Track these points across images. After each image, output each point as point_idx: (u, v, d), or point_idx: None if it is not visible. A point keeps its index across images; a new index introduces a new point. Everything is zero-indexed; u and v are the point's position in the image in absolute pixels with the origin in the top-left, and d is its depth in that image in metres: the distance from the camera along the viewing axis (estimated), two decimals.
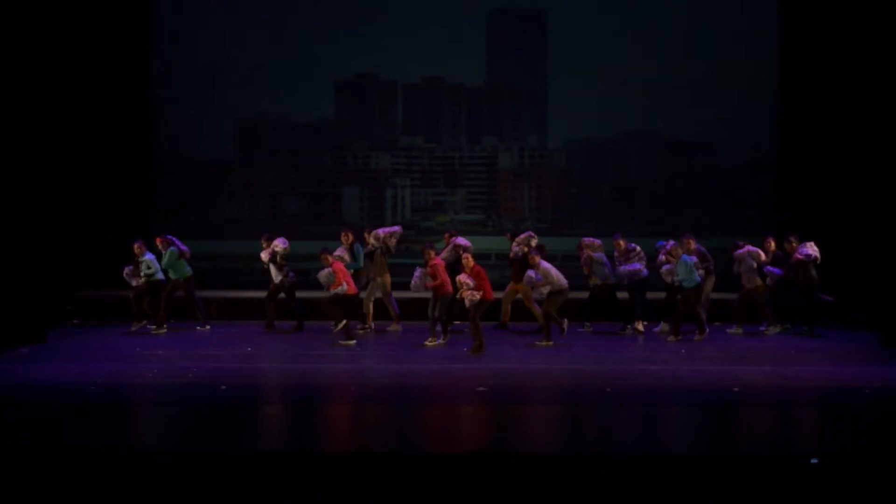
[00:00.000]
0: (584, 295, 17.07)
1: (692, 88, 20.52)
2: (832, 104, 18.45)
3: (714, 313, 17.24)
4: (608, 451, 9.97)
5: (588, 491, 9.11)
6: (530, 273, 15.55)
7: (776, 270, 16.56)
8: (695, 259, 16.40)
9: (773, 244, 16.86)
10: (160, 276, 16.73)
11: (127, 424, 11.18)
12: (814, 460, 9.34)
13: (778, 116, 19.82)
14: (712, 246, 17.56)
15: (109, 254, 18.59)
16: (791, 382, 13.37)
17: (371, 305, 17.02)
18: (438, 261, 15.60)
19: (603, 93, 20.84)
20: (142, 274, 16.60)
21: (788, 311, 16.91)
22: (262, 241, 17.08)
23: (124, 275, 16.79)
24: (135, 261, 16.71)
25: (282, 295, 17.13)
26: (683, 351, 15.39)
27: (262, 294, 17.42)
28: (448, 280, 15.41)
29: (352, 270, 16.33)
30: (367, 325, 16.98)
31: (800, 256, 16.46)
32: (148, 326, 16.74)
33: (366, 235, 16.98)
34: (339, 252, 16.35)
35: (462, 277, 15.10)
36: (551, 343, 15.51)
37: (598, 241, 16.92)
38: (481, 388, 12.58)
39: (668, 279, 16.11)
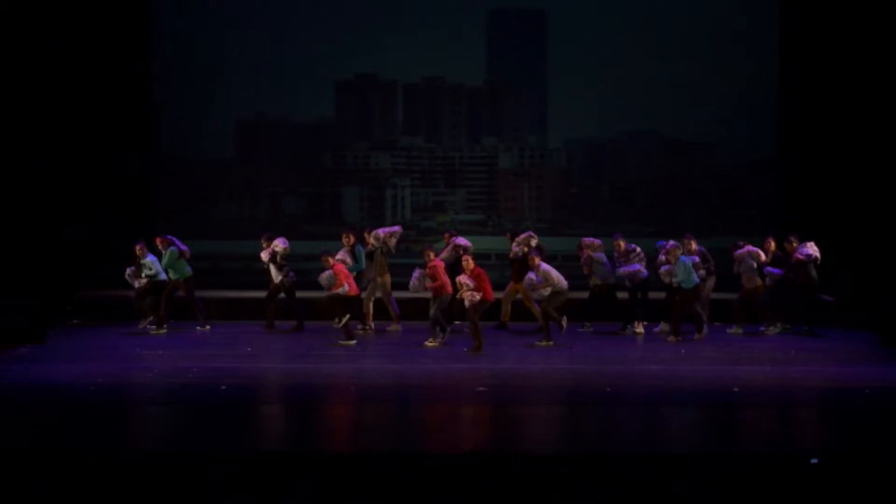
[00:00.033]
0: (584, 295, 17.07)
1: (692, 88, 20.52)
2: (832, 104, 18.44)
3: (714, 313, 17.24)
4: (608, 451, 9.97)
5: (588, 491, 9.11)
6: (531, 275, 15.54)
7: (776, 271, 16.56)
8: (696, 259, 16.44)
9: (772, 245, 16.86)
10: (163, 276, 16.72)
11: (127, 424, 11.18)
12: (814, 460, 9.34)
13: (778, 116, 19.81)
14: (712, 246, 17.56)
15: (109, 254, 18.59)
16: (791, 382, 13.37)
17: (371, 305, 17.02)
18: (438, 262, 15.59)
19: (603, 93, 20.83)
20: (143, 275, 16.59)
21: (788, 311, 16.91)
22: (262, 241, 17.08)
23: (126, 276, 16.79)
24: (136, 262, 16.71)
25: (282, 295, 17.13)
26: (683, 351, 15.39)
27: (262, 294, 17.42)
28: (448, 281, 15.40)
29: (354, 273, 16.31)
30: (367, 325, 16.98)
31: (800, 256, 16.47)
32: (148, 326, 16.74)
33: (366, 235, 16.98)
34: (340, 255, 16.31)
35: (462, 278, 15.10)
36: (551, 343, 15.51)
37: (598, 241, 16.92)
38: (481, 388, 12.58)
39: (667, 280, 16.11)
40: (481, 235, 20.60)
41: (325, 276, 15.63)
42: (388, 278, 16.93)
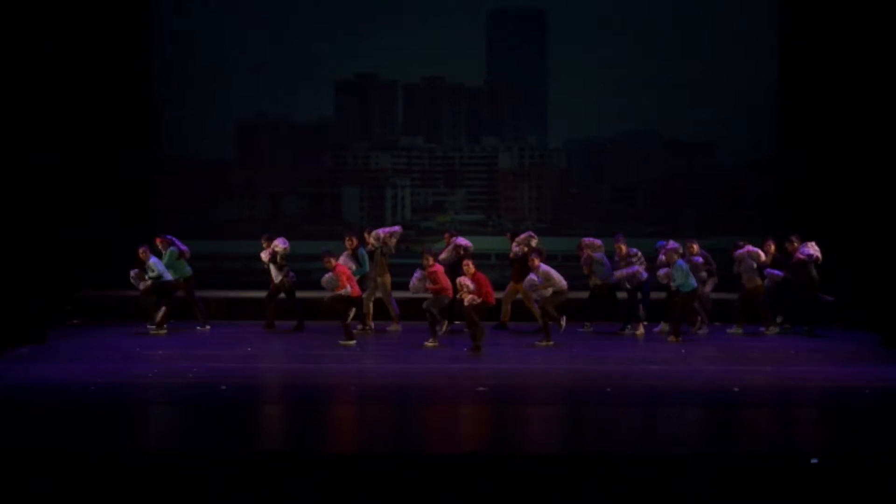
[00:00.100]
0: (584, 295, 17.07)
1: (692, 88, 20.53)
2: (832, 104, 18.43)
3: (714, 313, 17.24)
4: (608, 451, 9.97)
5: (588, 491, 9.11)
6: (532, 277, 15.53)
7: (776, 272, 16.56)
8: (700, 259, 16.51)
9: (772, 247, 16.87)
10: (167, 277, 16.71)
11: (127, 424, 11.17)
12: (814, 460, 9.34)
13: (778, 116, 19.81)
14: (712, 246, 17.58)
15: (109, 254, 18.60)
16: (791, 382, 13.38)
17: (371, 305, 17.02)
18: (438, 267, 15.56)
19: (603, 93, 20.84)
20: (147, 277, 16.59)
21: (788, 311, 16.91)
22: (262, 241, 17.07)
23: (131, 279, 16.76)
24: (141, 265, 16.68)
25: (282, 295, 17.13)
26: (683, 351, 15.39)
27: (262, 294, 17.42)
28: (448, 284, 15.39)
29: (358, 277, 16.28)
30: (367, 325, 16.98)
31: (801, 256, 16.48)
32: (148, 326, 16.73)
33: (366, 235, 16.97)
34: (343, 259, 16.28)
35: (463, 279, 15.09)
36: (551, 343, 15.51)
37: (598, 242, 16.91)
38: (481, 388, 12.58)
39: (665, 282, 16.11)
40: (481, 235, 20.61)
41: (326, 278, 15.63)
42: (388, 278, 16.93)
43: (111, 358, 14.61)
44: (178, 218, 20.36)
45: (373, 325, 17.07)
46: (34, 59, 16.68)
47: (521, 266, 16.37)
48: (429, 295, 15.47)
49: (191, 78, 20.61)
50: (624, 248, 16.78)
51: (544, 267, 15.59)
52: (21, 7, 16.28)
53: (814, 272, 16.50)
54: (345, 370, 13.97)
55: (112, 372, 13.54)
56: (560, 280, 15.55)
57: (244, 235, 19.94)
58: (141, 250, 16.67)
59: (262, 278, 17.47)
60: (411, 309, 17.02)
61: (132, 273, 16.72)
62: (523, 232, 17.23)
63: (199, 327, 17.16)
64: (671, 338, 16.05)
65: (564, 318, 15.58)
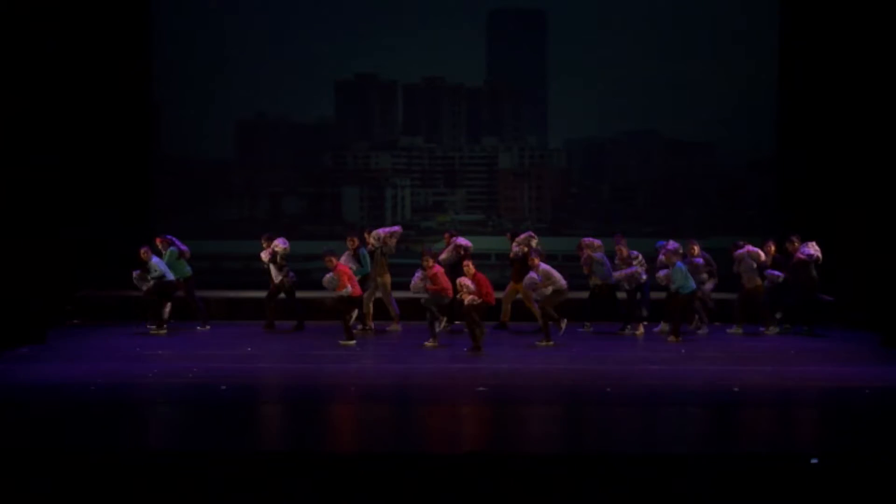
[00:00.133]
0: (584, 295, 17.07)
1: (692, 88, 20.53)
2: (832, 104, 18.43)
3: (714, 313, 17.24)
4: (608, 451, 9.97)
5: (588, 491, 9.11)
6: (532, 275, 15.54)
7: (777, 273, 16.56)
8: (701, 261, 16.52)
9: (773, 248, 16.88)
10: (169, 277, 16.72)
11: (127, 424, 11.16)
12: (814, 460, 9.34)
13: (778, 116, 19.81)
14: (712, 246, 17.58)
15: (109, 254, 18.60)
16: (791, 382, 13.37)
17: (371, 305, 17.02)
18: (438, 268, 15.55)
19: (603, 93, 20.84)
20: (149, 278, 16.59)
21: (788, 311, 16.91)
22: (262, 241, 17.08)
23: (133, 280, 16.76)
24: (143, 266, 16.69)
25: (282, 295, 17.13)
26: (683, 351, 15.39)
27: (262, 294, 17.42)
28: (449, 285, 15.38)
29: (359, 277, 16.28)
30: (367, 326, 16.98)
31: (802, 256, 16.48)
32: (148, 326, 16.74)
33: (365, 235, 16.97)
34: (344, 258, 16.28)
35: (463, 280, 15.09)
36: (551, 343, 15.51)
37: (598, 242, 16.91)
38: (481, 388, 12.58)
39: (663, 284, 16.12)
40: (481, 235, 20.61)
41: (328, 278, 15.63)
42: (388, 278, 16.93)
43: (111, 358, 14.61)
44: (178, 218, 20.36)
45: (373, 325, 17.07)
46: (34, 59, 16.68)
47: (521, 266, 16.37)
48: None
49: (191, 78, 20.62)
50: (625, 250, 16.77)
51: (544, 266, 15.60)
52: (21, 7, 16.28)
53: (814, 272, 16.51)
54: (345, 370, 13.97)
55: (112, 372, 13.54)
56: (560, 279, 15.55)
57: (244, 235, 19.94)
58: (143, 251, 16.68)
59: (262, 278, 17.47)
60: (411, 309, 17.01)
61: (135, 274, 16.72)
62: (523, 232, 17.23)
63: (199, 327, 17.16)
64: (671, 338, 16.06)
65: (565, 321, 15.58)
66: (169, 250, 16.94)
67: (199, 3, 21.00)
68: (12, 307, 15.24)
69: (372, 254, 16.80)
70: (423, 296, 15.50)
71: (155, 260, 16.65)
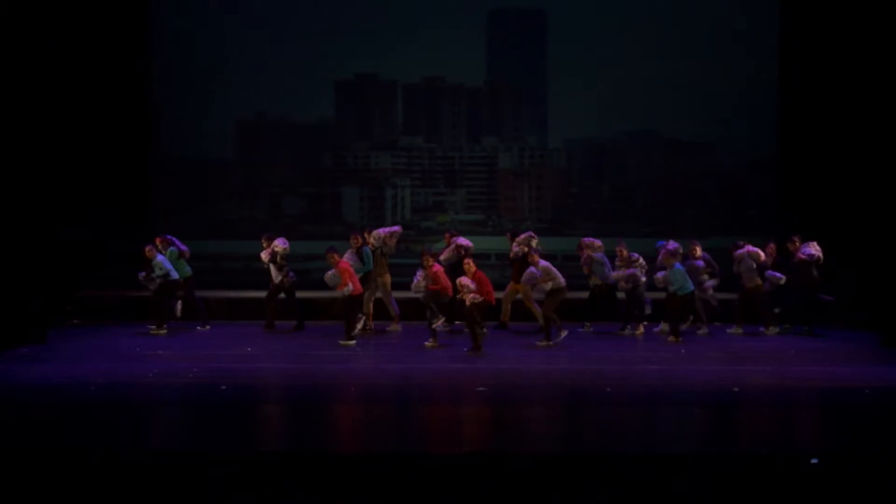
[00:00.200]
0: (584, 295, 17.07)
1: (692, 88, 20.53)
2: (832, 104, 18.43)
3: (714, 313, 17.23)
4: (608, 451, 9.97)
5: (588, 491, 9.11)
6: (532, 269, 15.55)
7: (778, 275, 16.56)
8: (702, 263, 16.52)
9: (773, 249, 16.88)
10: (174, 274, 16.72)
11: (127, 424, 11.17)
12: (814, 460, 9.34)
13: (778, 116, 19.81)
14: (712, 246, 17.58)
15: (109, 254, 18.60)
16: (791, 382, 13.37)
17: (371, 305, 17.02)
18: (438, 268, 15.55)
19: (603, 93, 20.85)
20: (155, 276, 16.59)
21: (788, 311, 16.91)
22: (263, 241, 17.08)
23: (140, 280, 16.76)
24: (147, 265, 16.70)
25: (282, 295, 17.13)
26: (683, 351, 15.39)
27: (262, 294, 17.42)
28: (449, 285, 15.38)
29: (361, 274, 16.28)
30: (367, 326, 16.97)
31: (802, 256, 16.49)
32: (148, 326, 16.74)
33: (366, 235, 16.97)
34: (347, 256, 16.28)
35: (463, 280, 15.09)
36: (551, 343, 15.51)
37: (598, 242, 16.91)
38: (481, 388, 12.58)
39: (662, 286, 16.12)
40: (481, 235, 20.61)
41: (329, 275, 15.64)
42: (388, 278, 16.93)
43: (111, 358, 14.61)
44: (178, 218, 20.37)
45: (373, 325, 17.07)
46: (34, 59, 16.68)
47: (521, 266, 16.36)
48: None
49: (191, 78, 20.62)
50: (626, 252, 16.76)
51: (544, 262, 15.63)
52: (21, 7, 16.28)
53: (815, 272, 16.51)
54: (345, 370, 13.97)
55: (112, 372, 13.54)
56: (559, 277, 15.57)
57: (244, 235, 19.95)
58: (147, 248, 16.69)
59: (262, 278, 17.48)
60: (411, 309, 17.02)
61: (141, 276, 16.71)
62: (523, 232, 17.23)
63: (199, 327, 17.16)
64: (671, 338, 16.05)
65: (566, 332, 15.62)
66: (169, 250, 16.94)
67: (199, 3, 21.01)
68: (12, 307, 15.24)
69: (372, 254, 16.81)
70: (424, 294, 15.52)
71: (160, 258, 16.66)
